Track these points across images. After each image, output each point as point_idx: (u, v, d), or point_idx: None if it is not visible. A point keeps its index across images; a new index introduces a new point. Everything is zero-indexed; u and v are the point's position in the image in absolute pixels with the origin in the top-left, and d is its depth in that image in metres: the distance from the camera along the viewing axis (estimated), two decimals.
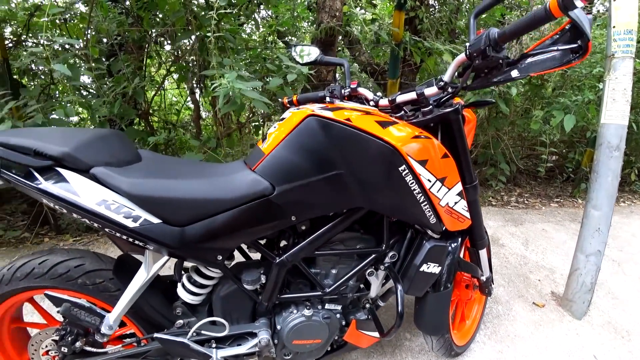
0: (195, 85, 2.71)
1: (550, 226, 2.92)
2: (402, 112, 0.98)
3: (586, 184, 3.75)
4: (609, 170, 1.60)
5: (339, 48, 3.03)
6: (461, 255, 1.24)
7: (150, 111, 2.71)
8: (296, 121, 0.86)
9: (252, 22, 2.89)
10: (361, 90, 1.13)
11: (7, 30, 2.25)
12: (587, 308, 1.76)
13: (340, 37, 2.63)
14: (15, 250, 2.16)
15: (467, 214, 1.01)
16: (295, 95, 1.27)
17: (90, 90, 2.35)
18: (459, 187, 0.94)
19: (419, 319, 1.22)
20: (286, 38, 3.08)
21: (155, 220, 0.79)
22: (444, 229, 0.99)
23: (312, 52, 1.27)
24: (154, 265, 0.89)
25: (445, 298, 1.17)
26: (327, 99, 1.13)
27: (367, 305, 1.14)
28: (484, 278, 1.31)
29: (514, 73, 0.80)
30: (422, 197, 0.88)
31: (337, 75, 2.78)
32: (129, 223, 0.77)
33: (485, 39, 0.72)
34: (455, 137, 0.97)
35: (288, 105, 1.25)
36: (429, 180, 0.86)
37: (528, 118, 2.88)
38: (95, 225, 0.77)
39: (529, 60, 0.78)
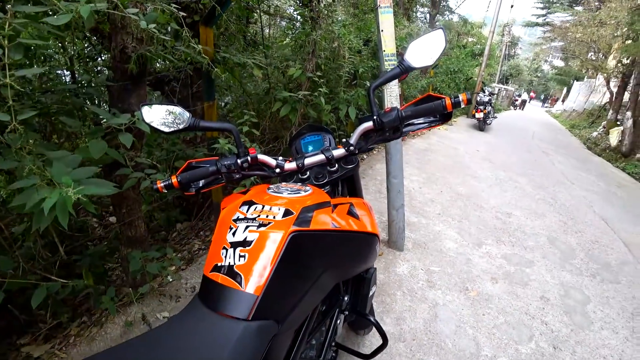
0: None
1: None
2: (307, 174, 1.06)
3: None
4: (397, 151, 2.33)
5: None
6: None
7: None
8: (279, 243, 0.72)
9: None
10: (262, 157, 1.02)
11: None
12: (404, 242, 2.59)
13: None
14: None
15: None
16: (175, 177, 0.98)
17: None
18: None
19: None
20: None
21: None
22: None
23: (179, 116, 0.94)
24: None
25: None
26: (223, 175, 0.98)
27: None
28: None
29: (400, 132, 1.05)
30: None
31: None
32: None
33: (396, 117, 0.93)
34: (355, 181, 1.20)
35: (165, 190, 0.99)
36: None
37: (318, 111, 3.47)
38: None
39: (409, 126, 1.04)
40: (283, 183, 0.95)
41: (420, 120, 1.04)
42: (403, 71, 0.94)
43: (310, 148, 1.14)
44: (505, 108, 20.66)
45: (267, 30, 4.97)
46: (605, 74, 11.86)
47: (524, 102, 24.04)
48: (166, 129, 0.93)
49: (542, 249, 3.02)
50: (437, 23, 10.49)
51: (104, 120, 1.30)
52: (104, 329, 1.74)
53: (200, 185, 1.04)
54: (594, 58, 14.76)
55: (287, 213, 0.75)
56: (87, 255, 1.79)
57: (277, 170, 1.02)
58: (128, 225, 1.74)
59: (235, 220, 0.76)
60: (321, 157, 1.02)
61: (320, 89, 2.73)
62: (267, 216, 0.75)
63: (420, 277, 2.33)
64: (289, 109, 2.58)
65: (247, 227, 0.72)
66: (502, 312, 2.14)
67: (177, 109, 0.95)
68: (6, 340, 1.70)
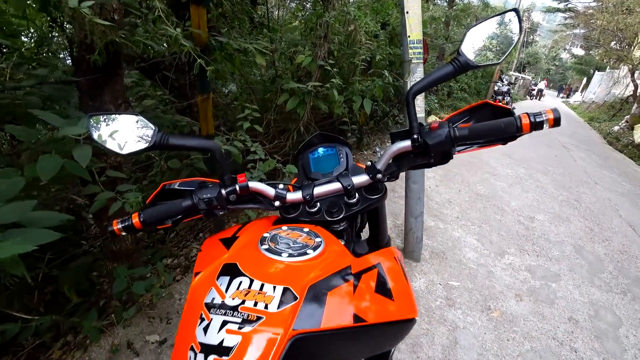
0: None
1: None
2: (317, 205, 0.78)
3: (367, 139, 4.78)
4: None
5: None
6: None
7: None
8: (274, 354, 0.47)
9: None
10: (256, 186, 0.74)
11: None
12: (421, 252, 2.36)
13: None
14: None
15: None
16: (137, 215, 0.72)
17: None
18: None
19: None
20: None
21: None
22: None
23: (141, 130, 0.68)
24: None
25: None
26: (202, 207, 0.72)
27: None
28: None
29: (449, 157, 0.75)
30: None
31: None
32: None
33: (447, 138, 0.67)
34: (379, 213, 0.94)
35: (122, 232, 0.73)
36: None
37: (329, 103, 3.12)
38: None
39: (459, 147, 0.74)
40: (284, 228, 0.70)
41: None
42: (458, 69, 0.68)
43: (322, 166, 0.87)
44: (521, 98, 19.95)
45: (276, 12, 4.61)
46: (630, 65, 11.20)
47: (540, 92, 23.15)
48: (123, 149, 0.67)
49: (569, 259, 2.77)
50: (454, 7, 9.88)
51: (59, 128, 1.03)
52: (88, 354, 1.56)
53: (179, 217, 0.76)
54: (618, 47, 13.97)
55: (286, 297, 0.51)
56: (70, 269, 1.59)
57: (277, 203, 0.75)
58: (112, 238, 1.53)
59: (208, 307, 0.51)
60: (336, 185, 0.76)
61: (333, 80, 2.44)
62: (255, 304, 0.50)
63: (438, 294, 2.11)
64: (297, 101, 2.30)
65: (224, 322, 0.48)
66: (527, 337, 1.92)
67: (139, 120, 0.69)
68: None
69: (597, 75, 20.45)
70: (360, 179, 0.75)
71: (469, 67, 0.68)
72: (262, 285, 0.52)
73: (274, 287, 0.52)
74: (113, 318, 1.60)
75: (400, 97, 5.38)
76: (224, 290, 0.52)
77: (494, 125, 0.65)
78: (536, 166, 5.32)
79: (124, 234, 0.73)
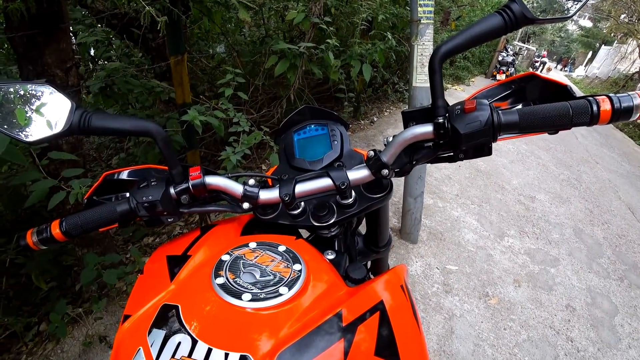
0: None
1: None
2: (302, 206, 0.59)
3: (364, 108, 4.50)
4: None
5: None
6: None
7: None
8: None
9: None
10: (216, 181, 0.55)
11: None
12: (418, 233, 2.22)
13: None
14: None
15: None
16: (58, 222, 0.52)
17: None
18: None
19: None
20: None
21: None
22: None
23: (52, 106, 0.47)
24: None
25: None
26: (142, 214, 0.52)
27: None
28: None
29: (487, 151, 0.52)
30: None
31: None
32: None
33: (488, 125, 0.46)
34: (381, 214, 0.76)
35: (40, 246, 0.53)
36: None
37: (324, 67, 2.79)
38: None
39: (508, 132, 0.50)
40: (251, 245, 0.49)
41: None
42: (510, 24, 0.46)
43: (309, 151, 0.65)
44: (524, 70, 19.39)
45: None
46: (639, 40, 10.74)
47: (543, 64, 22.49)
48: (27, 136, 0.46)
49: (568, 243, 2.67)
50: None
51: None
52: (61, 345, 1.43)
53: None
54: (627, 21, 13.33)
55: None
56: (35, 255, 1.39)
57: (246, 205, 0.56)
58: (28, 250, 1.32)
59: None
60: (326, 182, 0.55)
61: (328, 41, 2.15)
62: None
63: (435, 279, 1.99)
64: (287, 65, 2.02)
65: None
66: (525, 326, 1.84)
67: (48, 93, 0.47)
68: None
69: (603, 50, 19.81)
70: (359, 175, 0.55)
71: (527, 21, 0.46)
72: (210, 352, 0.34)
73: (226, 355, 0.34)
74: (82, 310, 1.44)
75: (401, 62, 5.03)
76: (154, 356, 0.35)
77: (557, 109, 0.44)
78: (538, 142, 5.14)
79: (42, 247, 0.53)
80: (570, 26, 36.45)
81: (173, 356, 0.34)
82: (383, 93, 5.22)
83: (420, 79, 1.71)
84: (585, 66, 24.53)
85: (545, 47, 35.91)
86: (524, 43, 24.71)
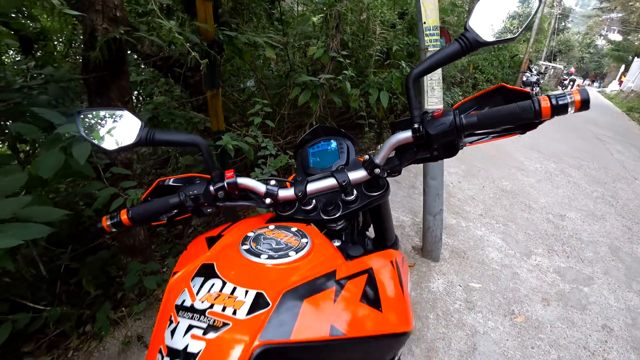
0: None
1: None
2: (313, 202, 0.72)
3: (386, 134, 4.63)
4: None
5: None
6: None
7: None
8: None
9: None
10: (245, 182, 0.70)
11: None
12: (440, 251, 2.25)
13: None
14: None
15: None
16: (125, 212, 0.69)
17: None
18: None
19: None
20: None
21: None
22: None
23: (127, 125, 0.66)
24: None
25: None
26: (189, 209, 0.69)
27: None
28: None
29: (456, 150, 0.66)
30: None
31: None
32: None
33: (451, 127, 0.58)
34: (382, 210, 0.86)
35: (112, 229, 0.70)
36: None
37: (345, 96, 2.98)
38: None
39: (468, 137, 0.67)
40: (270, 227, 0.64)
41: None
42: (466, 48, 0.59)
43: (321, 161, 0.80)
44: (552, 88, 18.93)
45: (297, 8, 4.51)
46: None
47: (573, 82, 21.87)
48: (109, 146, 0.65)
49: (603, 261, 2.57)
50: None
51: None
52: (103, 344, 1.59)
53: (170, 214, 0.73)
54: None
55: (257, 303, 0.45)
56: (87, 263, 1.61)
57: (268, 200, 0.70)
58: (125, 232, 1.54)
59: (177, 309, 0.47)
60: (331, 181, 0.69)
61: (345, 72, 2.35)
62: (223, 309, 0.45)
63: (457, 296, 2.00)
64: (309, 94, 2.23)
65: (189, 327, 0.44)
66: (554, 345, 1.78)
67: (124, 115, 0.67)
68: (12, 345, 1.61)
69: (636, 62, 19.03)
70: (357, 174, 0.68)
71: (479, 44, 0.59)
72: (234, 289, 0.47)
73: (246, 292, 0.47)
74: (125, 311, 1.62)
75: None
76: (195, 292, 0.49)
77: (507, 110, 0.55)
78: (568, 160, 5.00)
79: (113, 230, 0.71)
80: (600, 41, 35.47)
81: (208, 291, 0.48)
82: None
83: (432, 101, 1.84)
84: (619, 81, 23.52)
85: (573, 64, 34.98)
86: (551, 62, 24.26)
